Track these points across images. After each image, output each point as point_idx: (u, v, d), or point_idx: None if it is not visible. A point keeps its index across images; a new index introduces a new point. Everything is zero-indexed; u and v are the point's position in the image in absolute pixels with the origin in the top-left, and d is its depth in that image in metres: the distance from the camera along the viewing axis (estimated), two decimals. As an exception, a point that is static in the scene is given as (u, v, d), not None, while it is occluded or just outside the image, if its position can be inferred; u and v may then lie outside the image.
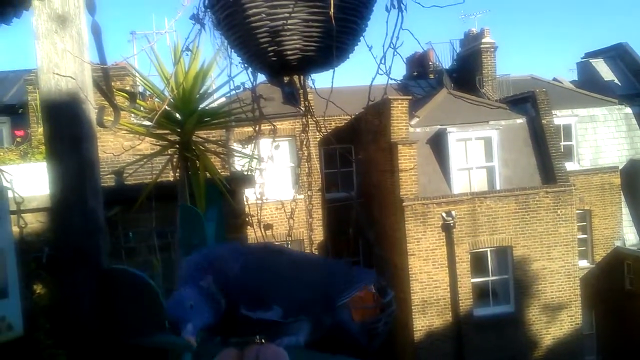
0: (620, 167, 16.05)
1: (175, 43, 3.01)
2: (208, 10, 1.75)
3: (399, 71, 21.27)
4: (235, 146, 4.35)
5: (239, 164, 4.53)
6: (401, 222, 12.98)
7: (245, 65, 1.84)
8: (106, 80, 2.17)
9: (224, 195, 3.19)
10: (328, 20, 1.54)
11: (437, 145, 14.05)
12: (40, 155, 7.19)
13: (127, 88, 7.24)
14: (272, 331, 0.98)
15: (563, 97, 16.70)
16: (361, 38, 1.77)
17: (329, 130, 13.52)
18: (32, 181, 3.26)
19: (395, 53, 1.75)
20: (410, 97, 14.69)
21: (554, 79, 19.59)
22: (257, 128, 2.24)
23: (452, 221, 12.82)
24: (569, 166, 14.98)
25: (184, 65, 3.07)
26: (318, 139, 14.54)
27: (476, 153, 14.08)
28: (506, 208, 13.24)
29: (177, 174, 3.16)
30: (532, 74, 19.50)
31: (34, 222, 3.43)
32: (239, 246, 1.15)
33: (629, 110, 16.83)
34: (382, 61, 1.76)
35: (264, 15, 1.57)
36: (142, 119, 3.68)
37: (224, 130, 7.23)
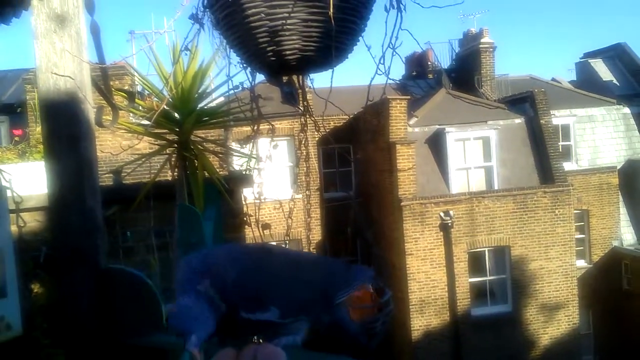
0: (618, 167, 16.09)
1: (174, 42, 3.01)
2: (207, 9, 1.75)
3: (398, 71, 21.34)
4: (234, 146, 4.35)
5: (237, 164, 4.54)
6: (399, 222, 12.99)
7: (244, 65, 1.84)
8: (105, 79, 2.17)
9: (222, 194, 3.19)
10: (327, 20, 1.54)
11: (436, 145, 14.06)
12: (39, 154, 7.19)
13: (126, 87, 7.24)
14: (271, 331, 0.98)
15: (561, 97, 16.72)
16: (360, 38, 1.77)
17: (327, 130, 13.52)
18: (30, 180, 3.25)
19: (394, 53, 1.75)
20: (408, 97, 14.70)
21: (553, 79, 19.62)
22: (255, 127, 2.24)
23: (450, 221, 12.83)
24: (567, 166, 15.00)
25: (182, 64, 3.07)
26: (317, 139, 14.55)
27: (474, 153, 14.09)
28: (504, 208, 13.26)
29: (175, 174, 3.17)
30: (530, 74, 19.53)
31: (31, 222, 3.42)
32: (235, 248, 1.15)
33: (627, 110, 16.86)
34: (381, 61, 1.76)
35: (263, 15, 1.57)
36: (140, 118, 3.68)
37: (223, 129, 7.24)
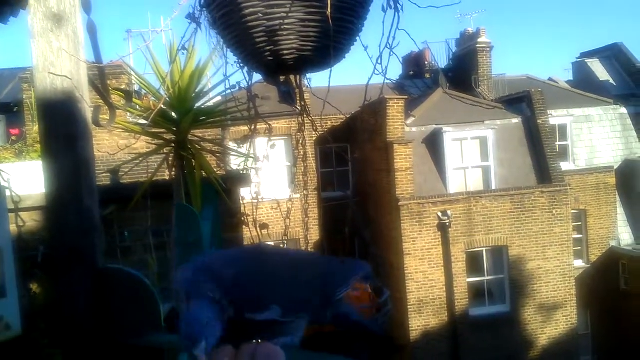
0: (615, 167, 16.11)
1: (171, 42, 3.01)
2: (204, 9, 1.74)
3: (395, 71, 21.36)
4: (231, 145, 4.35)
5: (234, 163, 4.54)
6: (397, 222, 13.00)
7: (242, 64, 1.84)
8: (102, 79, 2.17)
9: (219, 194, 3.19)
10: (325, 20, 1.54)
11: (433, 144, 14.07)
12: (36, 153, 7.17)
13: (123, 87, 7.23)
14: (271, 330, 0.98)
15: (558, 97, 16.74)
16: (358, 38, 1.77)
17: (325, 130, 13.52)
18: (27, 180, 3.25)
19: (392, 53, 1.75)
20: (406, 97, 14.70)
21: (550, 79, 19.65)
22: (252, 127, 2.23)
23: (447, 221, 12.84)
24: (564, 166, 15.03)
25: (179, 64, 3.07)
26: (314, 138, 14.54)
27: (472, 153, 14.10)
28: (502, 208, 13.28)
29: (172, 173, 3.17)
30: (527, 74, 19.56)
31: (29, 221, 3.42)
32: (232, 251, 1.16)
33: (624, 110, 16.90)
34: (379, 61, 1.76)
35: (260, 14, 1.57)
36: (137, 117, 3.67)
37: (220, 129, 7.23)
